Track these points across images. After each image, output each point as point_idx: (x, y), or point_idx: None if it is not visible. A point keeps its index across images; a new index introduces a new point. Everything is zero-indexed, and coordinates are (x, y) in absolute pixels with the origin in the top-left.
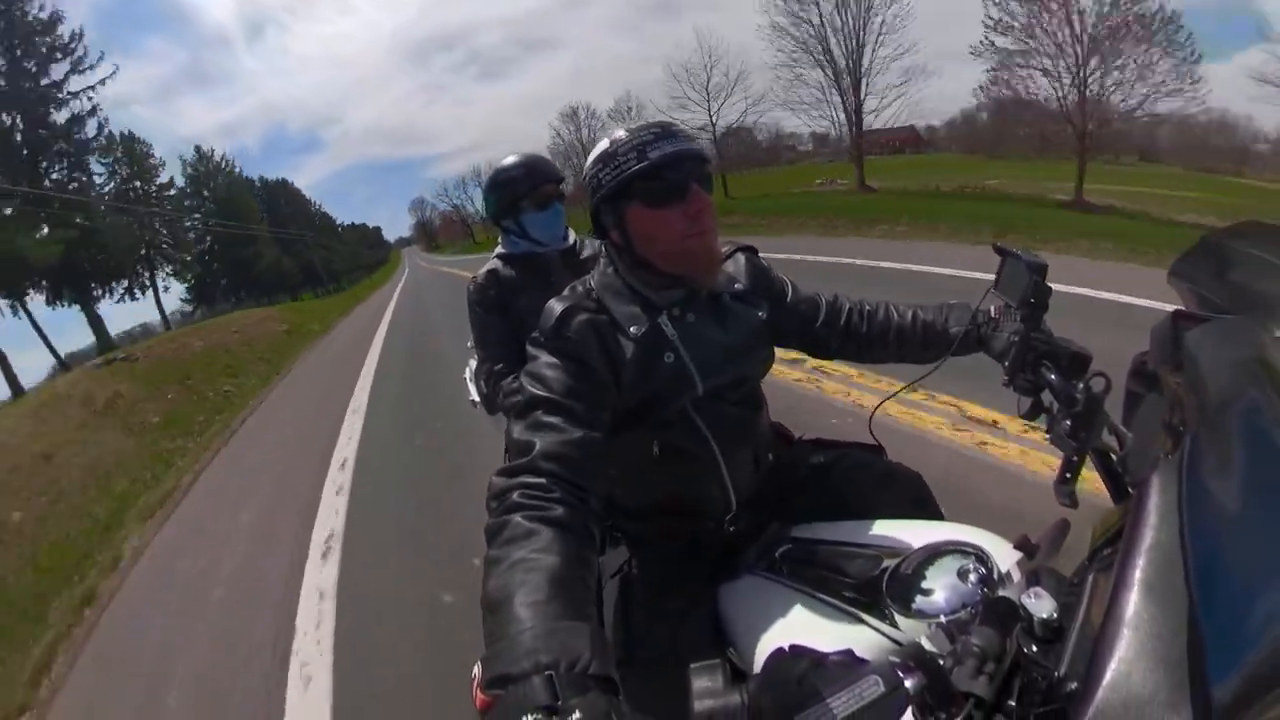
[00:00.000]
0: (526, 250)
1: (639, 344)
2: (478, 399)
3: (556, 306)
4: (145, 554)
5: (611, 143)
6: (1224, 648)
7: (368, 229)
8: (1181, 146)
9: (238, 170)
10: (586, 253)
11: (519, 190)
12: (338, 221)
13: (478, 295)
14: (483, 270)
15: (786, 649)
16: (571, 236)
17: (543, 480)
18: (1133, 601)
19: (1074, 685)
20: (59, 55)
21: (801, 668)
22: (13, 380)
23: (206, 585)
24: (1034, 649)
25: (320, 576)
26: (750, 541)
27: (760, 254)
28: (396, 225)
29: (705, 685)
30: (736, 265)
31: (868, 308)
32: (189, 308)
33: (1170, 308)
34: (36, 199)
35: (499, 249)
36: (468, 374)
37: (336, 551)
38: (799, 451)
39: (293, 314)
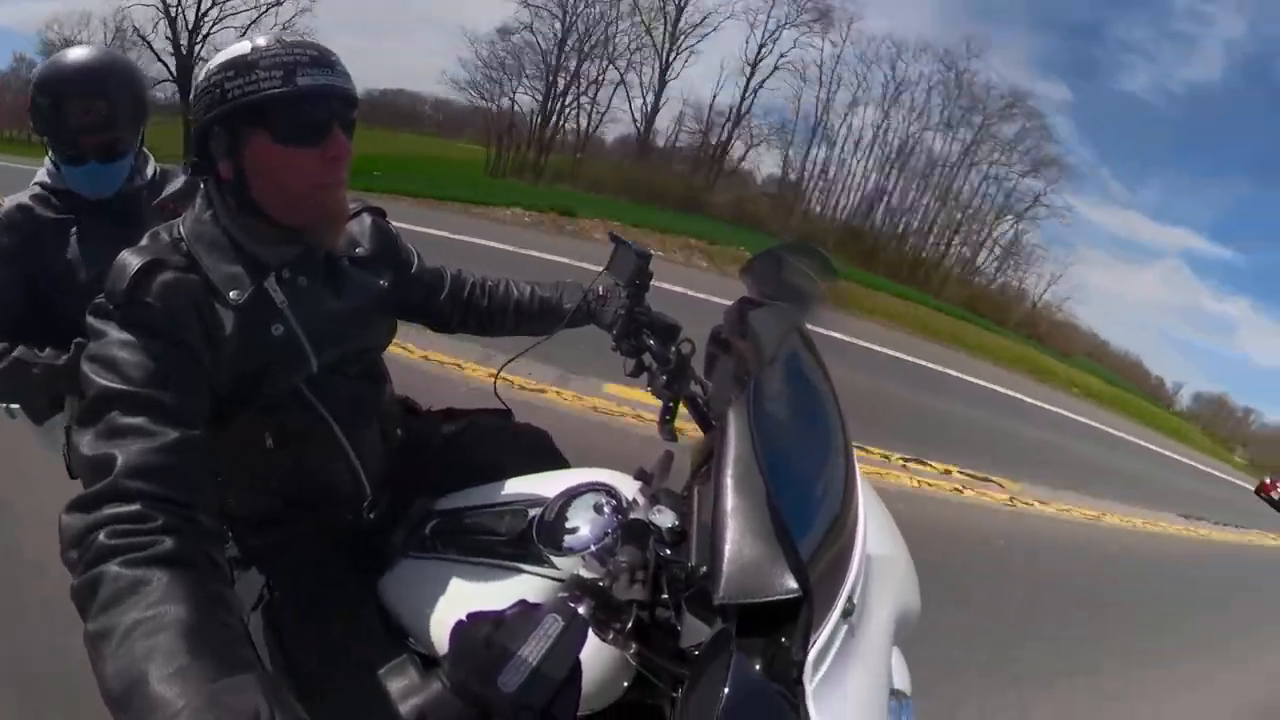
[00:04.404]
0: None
1: (241, 312)
2: (15, 405)
3: (131, 261)
4: None
5: (253, 50)
6: (796, 517)
7: None
8: None
9: None
10: (173, 187)
11: (68, 116)
12: None
13: None
14: (10, 201)
15: (465, 619)
16: (151, 168)
17: (135, 507)
18: (730, 499)
19: (705, 568)
20: None
21: (485, 631)
22: None
23: None
24: (668, 552)
25: None
26: (395, 525)
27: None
28: None
29: (401, 685)
30: (361, 227)
31: (489, 283)
32: None
33: None
34: None
35: (42, 173)
36: None
37: None
38: (429, 423)
39: None
